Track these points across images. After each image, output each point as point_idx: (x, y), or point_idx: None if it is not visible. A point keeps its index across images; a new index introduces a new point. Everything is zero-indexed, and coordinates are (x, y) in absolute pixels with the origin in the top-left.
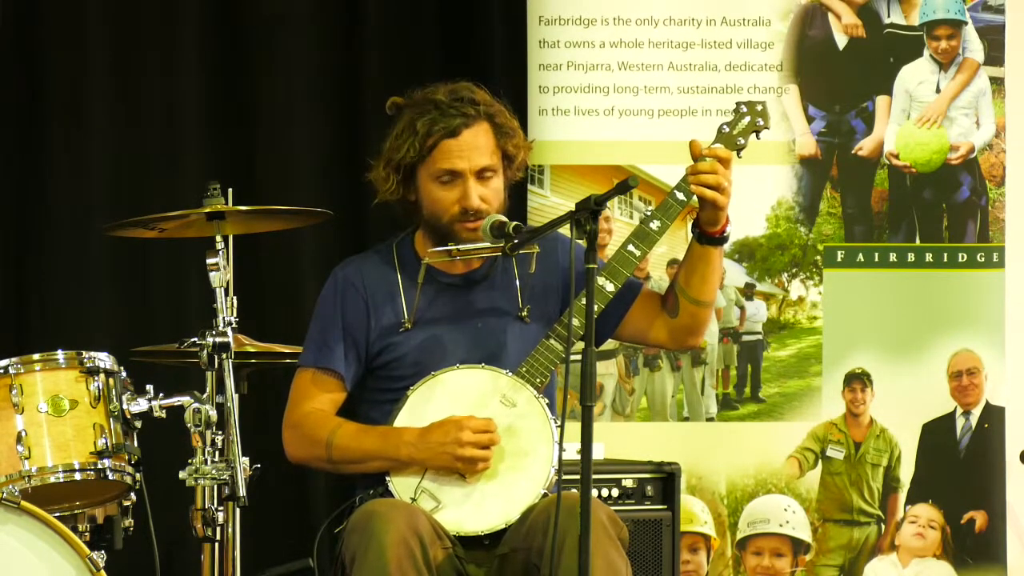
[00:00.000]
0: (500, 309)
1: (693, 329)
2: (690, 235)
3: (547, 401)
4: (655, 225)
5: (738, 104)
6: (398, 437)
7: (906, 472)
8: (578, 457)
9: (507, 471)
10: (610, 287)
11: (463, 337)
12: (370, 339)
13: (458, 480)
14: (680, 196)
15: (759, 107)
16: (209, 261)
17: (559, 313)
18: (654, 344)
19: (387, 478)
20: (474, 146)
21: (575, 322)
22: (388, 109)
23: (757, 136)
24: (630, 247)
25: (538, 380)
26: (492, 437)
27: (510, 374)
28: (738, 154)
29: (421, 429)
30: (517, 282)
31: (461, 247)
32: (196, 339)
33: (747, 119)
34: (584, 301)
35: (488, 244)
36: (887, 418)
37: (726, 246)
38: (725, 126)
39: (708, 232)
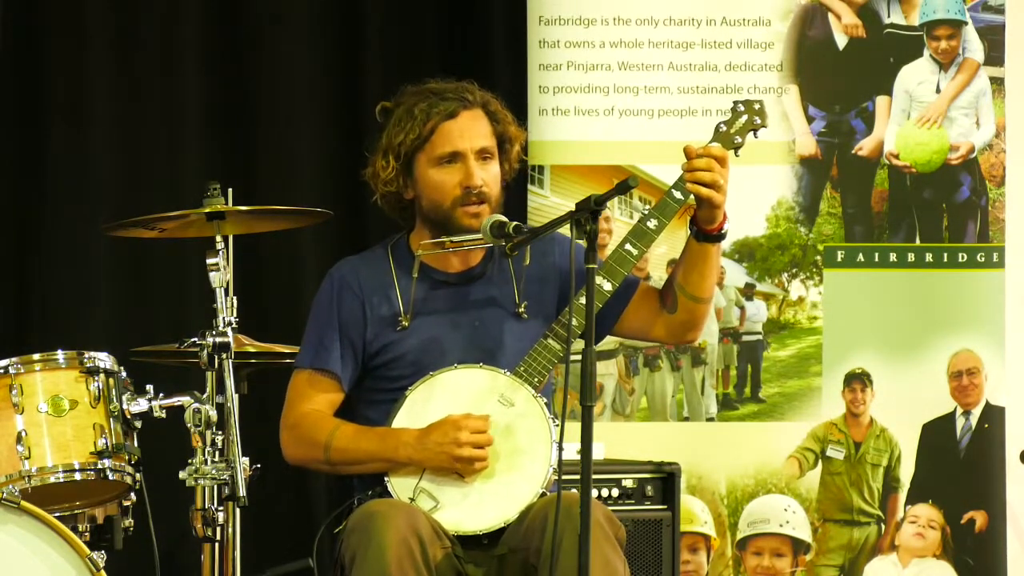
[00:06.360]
0: (497, 306)
1: (691, 324)
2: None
3: (545, 401)
4: (652, 224)
5: (735, 103)
6: (396, 438)
7: (906, 472)
8: (578, 457)
9: (505, 470)
10: (608, 286)
11: (461, 335)
12: (367, 339)
13: (456, 480)
14: (677, 195)
15: (757, 106)
16: (209, 261)
17: (556, 309)
18: (653, 340)
19: (386, 478)
20: (473, 127)
21: (574, 321)
22: (377, 115)
23: (755, 135)
24: (627, 246)
25: (536, 380)
26: (488, 437)
27: (508, 373)
28: (735, 153)
29: (420, 430)
30: (514, 277)
31: (454, 238)
32: (196, 339)
33: (744, 118)
34: (583, 300)
35: (480, 236)
36: (887, 418)
37: (724, 244)
38: (722, 125)
39: (706, 230)
